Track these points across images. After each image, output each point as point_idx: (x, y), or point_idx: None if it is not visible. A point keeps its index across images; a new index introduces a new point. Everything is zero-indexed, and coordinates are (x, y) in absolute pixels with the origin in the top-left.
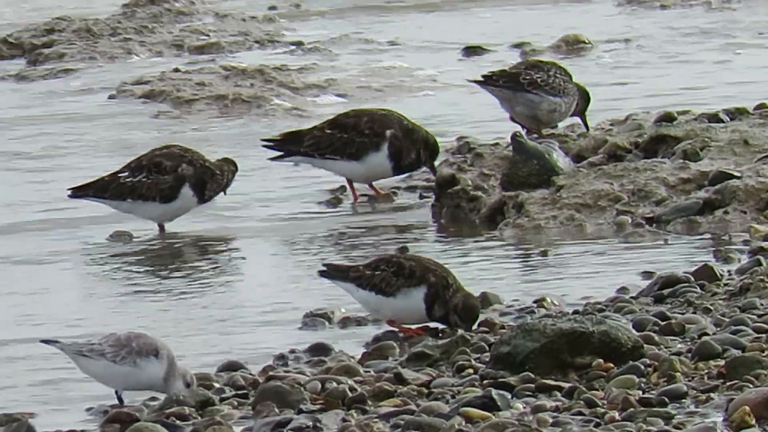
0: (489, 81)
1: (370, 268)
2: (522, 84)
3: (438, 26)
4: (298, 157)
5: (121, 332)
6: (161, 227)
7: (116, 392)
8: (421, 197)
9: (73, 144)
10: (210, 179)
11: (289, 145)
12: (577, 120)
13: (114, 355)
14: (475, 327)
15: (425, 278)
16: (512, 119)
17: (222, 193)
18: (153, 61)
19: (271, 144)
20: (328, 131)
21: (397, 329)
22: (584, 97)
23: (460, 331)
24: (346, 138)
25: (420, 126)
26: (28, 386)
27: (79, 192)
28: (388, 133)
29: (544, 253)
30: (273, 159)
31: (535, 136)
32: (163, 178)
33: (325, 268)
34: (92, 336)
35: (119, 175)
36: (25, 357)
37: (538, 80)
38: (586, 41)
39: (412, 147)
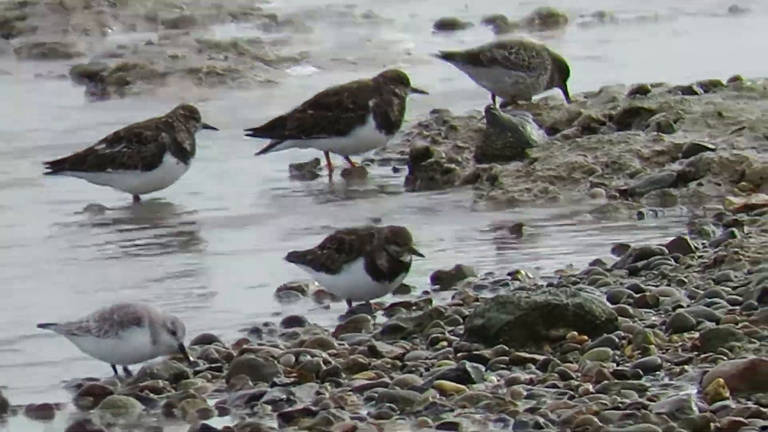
0: (452, 58)
1: (320, 248)
2: (482, 61)
3: None
4: (286, 141)
5: (107, 306)
6: (137, 198)
7: (113, 367)
8: (395, 170)
9: None
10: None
11: (274, 131)
12: (553, 92)
13: (98, 330)
14: (414, 247)
15: (362, 249)
16: (493, 95)
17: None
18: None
19: (255, 133)
20: (311, 111)
21: None
22: (561, 69)
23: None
24: (331, 116)
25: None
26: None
27: (55, 167)
28: (371, 103)
29: (519, 226)
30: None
31: (510, 107)
32: (145, 147)
33: (288, 256)
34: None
35: (96, 148)
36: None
37: (498, 57)
38: (560, 14)
39: (395, 107)
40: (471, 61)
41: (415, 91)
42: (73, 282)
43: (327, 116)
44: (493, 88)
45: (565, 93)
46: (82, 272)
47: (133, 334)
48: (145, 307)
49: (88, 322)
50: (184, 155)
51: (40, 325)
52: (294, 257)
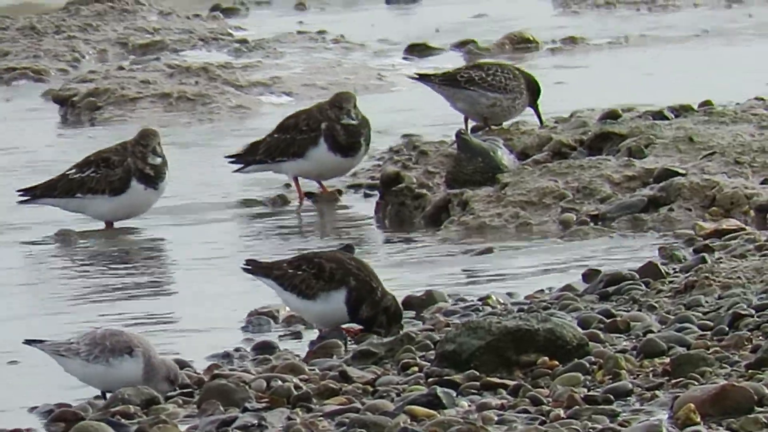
0: (428, 80)
1: (293, 267)
2: (459, 81)
3: (383, 23)
4: (256, 165)
5: (99, 330)
6: (109, 224)
7: (102, 392)
8: (366, 195)
9: None
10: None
11: (247, 156)
12: (524, 117)
13: (87, 354)
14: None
15: (345, 281)
16: (466, 118)
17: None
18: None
19: (234, 158)
20: (276, 135)
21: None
22: (532, 88)
23: (385, 335)
24: (288, 138)
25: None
26: None
27: (28, 193)
28: (323, 126)
29: (489, 251)
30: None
31: (480, 132)
32: (112, 172)
33: (248, 265)
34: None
35: (67, 173)
36: None
37: (476, 78)
38: (532, 39)
39: (340, 130)
40: (448, 82)
41: (349, 116)
42: (39, 308)
43: (285, 139)
44: (469, 110)
45: (537, 113)
46: (44, 295)
47: (123, 363)
48: (140, 339)
49: (77, 344)
50: (151, 181)
51: (26, 342)
52: (256, 269)
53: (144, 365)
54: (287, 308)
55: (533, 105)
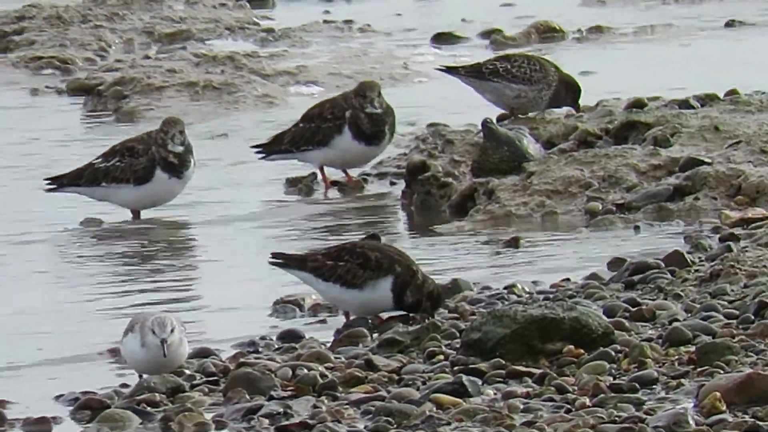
0: (455, 72)
1: (331, 258)
2: (484, 73)
3: (410, 13)
4: (281, 154)
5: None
6: (135, 214)
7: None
8: (392, 184)
9: None
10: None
11: (273, 146)
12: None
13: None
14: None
15: (391, 269)
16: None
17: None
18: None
19: (260, 148)
20: (301, 124)
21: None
22: (572, 88)
23: (429, 318)
24: (313, 127)
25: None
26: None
27: (54, 182)
28: (347, 114)
29: (515, 240)
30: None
31: (506, 121)
32: (136, 161)
33: (276, 259)
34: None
35: (93, 162)
36: None
37: (501, 69)
38: (558, 28)
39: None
40: (474, 74)
41: (373, 104)
42: (66, 293)
43: (310, 128)
44: (496, 101)
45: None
46: (75, 283)
47: (128, 341)
48: (140, 314)
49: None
50: (174, 169)
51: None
52: (288, 262)
53: (140, 336)
54: (319, 298)
55: (574, 105)
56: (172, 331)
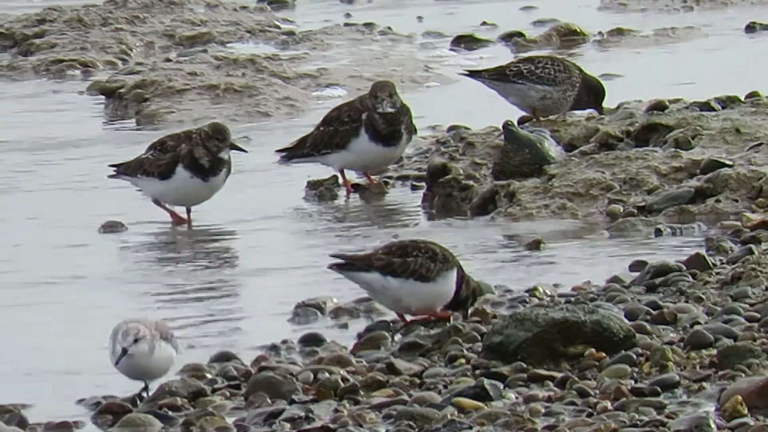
0: (478, 75)
1: (398, 255)
2: (508, 76)
3: (431, 16)
4: (303, 158)
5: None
6: (187, 213)
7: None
8: (413, 188)
9: None
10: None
11: (296, 150)
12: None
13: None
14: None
15: (456, 262)
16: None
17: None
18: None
19: (284, 152)
20: (321, 128)
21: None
22: (596, 91)
23: (451, 322)
24: (331, 130)
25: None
26: (22, 377)
27: (116, 169)
28: (363, 116)
29: (536, 242)
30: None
31: (528, 124)
32: (163, 156)
33: (340, 260)
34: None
35: (143, 154)
36: (18, 347)
37: (525, 71)
38: (579, 31)
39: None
40: (497, 76)
41: (386, 105)
42: (89, 298)
43: (329, 131)
44: (520, 103)
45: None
46: (97, 288)
47: (110, 347)
48: (123, 321)
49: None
50: (200, 171)
51: None
52: (349, 263)
53: (112, 343)
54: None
55: (597, 108)
56: (136, 340)
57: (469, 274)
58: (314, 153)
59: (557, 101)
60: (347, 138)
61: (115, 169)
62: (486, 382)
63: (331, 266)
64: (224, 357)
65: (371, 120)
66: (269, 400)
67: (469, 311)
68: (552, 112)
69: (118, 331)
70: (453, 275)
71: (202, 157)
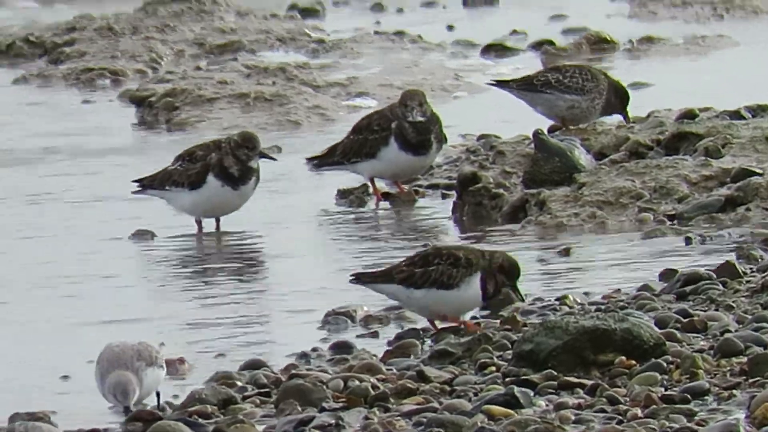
0: (506, 85)
1: (420, 265)
2: (536, 85)
3: (461, 25)
4: (333, 166)
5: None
6: (198, 223)
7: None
8: (443, 196)
9: None
10: (231, 162)
11: (327, 158)
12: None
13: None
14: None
15: (479, 264)
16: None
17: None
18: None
19: (315, 161)
20: (351, 136)
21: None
22: (621, 95)
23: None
24: (361, 139)
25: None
26: (52, 384)
27: (139, 183)
28: (393, 125)
29: (567, 250)
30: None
31: (558, 132)
32: (192, 166)
33: (358, 278)
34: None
35: (169, 166)
36: (47, 355)
37: (552, 80)
38: (609, 39)
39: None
40: (525, 86)
41: (415, 114)
42: (120, 306)
43: (359, 140)
44: (548, 113)
45: (626, 120)
46: (127, 296)
47: (98, 377)
48: (108, 347)
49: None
50: (230, 179)
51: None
52: (372, 278)
53: (99, 371)
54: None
55: (623, 112)
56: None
57: (490, 259)
58: (344, 161)
59: (585, 110)
60: (377, 147)
61: (139, 184)
62: (516, 389)
63: (354, 280)
64: (254, 365)
65: (401, 129)
66: (299, 408)
67: (515, 283)
68: (580, 121)
69: (108, 379)
70: (477, 280)
71: (231, 165)
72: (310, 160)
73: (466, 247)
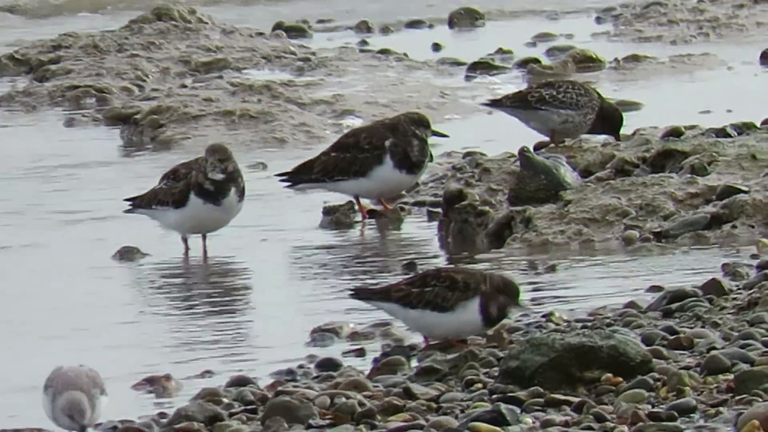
0: (499, 104)
1: (417, 285)
2: (530, 102)
3: (446, 44)
4: (310, 183)
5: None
6: (185, 242)
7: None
8: (429, 213)
9: None
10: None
11: (301, 175)
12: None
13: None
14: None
15: (479, 288)
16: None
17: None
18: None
19: (286, 176)
20: (333, 154)
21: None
22: (610, 116)
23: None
24: (349, 157)
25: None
26: (38, 401)
27: (131, 202)
28: (387, 143)
29: (552, 268)
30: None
31: (544, 149)
32: (176, 184)
33: (357, 293)
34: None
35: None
36: (34, 371)
37: (546, 96)
38: (594, 57)
39: (415, 147)
40: (519, 103)
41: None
42: (104, 325)
43: (345, 158)
44: (542, 128)
45: (617, 139)
46: (113, 314)
47: (44, 397)
48: (59, 371)
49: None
50: (209, 196)
51: None
52: (370, 295)
53: (52, 396)
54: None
55: (614, 134)
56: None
57: (490, 283)
58: (325, 179)
59: (578, 125)
60: (368, 166)
61: (130, 203)
62: (503, 406)
63: (353, 295)
64: (241, 382)
65: (401, 146)
66: (286, 425)
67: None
68: (572, 135)
69: (60, 400)
70: (475, 304)
71: (204, 181)
72: (281, 175)
73: (468, 270)
